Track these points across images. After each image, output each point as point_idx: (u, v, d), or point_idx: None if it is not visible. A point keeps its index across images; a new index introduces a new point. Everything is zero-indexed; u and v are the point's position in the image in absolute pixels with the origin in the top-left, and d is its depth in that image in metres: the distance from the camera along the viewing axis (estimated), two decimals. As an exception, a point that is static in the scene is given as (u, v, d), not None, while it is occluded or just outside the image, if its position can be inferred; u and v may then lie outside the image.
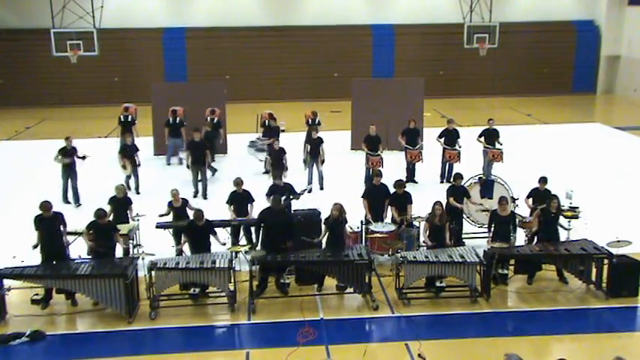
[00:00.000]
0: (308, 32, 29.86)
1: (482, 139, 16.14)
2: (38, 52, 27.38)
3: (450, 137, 16.04)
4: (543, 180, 11.85)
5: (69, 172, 14.76)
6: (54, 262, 10.01)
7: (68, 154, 14.75)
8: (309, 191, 13.45)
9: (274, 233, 10.29)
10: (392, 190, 11.86)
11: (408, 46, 30.03)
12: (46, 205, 10.15)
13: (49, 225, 10.08)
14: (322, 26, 29.87)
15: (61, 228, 10.21)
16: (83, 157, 14.99)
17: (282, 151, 15.22)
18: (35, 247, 10.09)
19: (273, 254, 10.07)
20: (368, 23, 30.20)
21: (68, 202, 14.65)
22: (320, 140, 15.97)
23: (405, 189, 11.75)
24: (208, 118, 18.39)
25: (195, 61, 29.29)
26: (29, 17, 28.24)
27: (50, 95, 28.92)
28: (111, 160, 18.61)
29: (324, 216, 11.02)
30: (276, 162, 14.98)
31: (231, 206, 11.79)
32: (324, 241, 10.64)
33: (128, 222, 11.52)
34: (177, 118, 18.07)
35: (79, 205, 14.58)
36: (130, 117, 18.38)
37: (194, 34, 29.40)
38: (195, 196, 14.83)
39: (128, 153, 15.39)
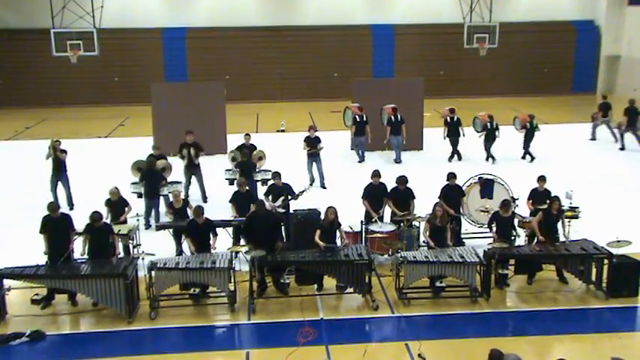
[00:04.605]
0: (308, 32, 29.86)
1: None
2: (38, 52, 27.38)
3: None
4: (542, 179, 11.85)
5: (58, 176, 14.55)
6: (56, 263, 9.99)
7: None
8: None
9: (262, 236, 10.28)
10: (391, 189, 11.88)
11: (408, 46, 30.04)
12: (53, 207, 10.26)
13: (56, 226, 10.11)
14: (322, 26, 29.86)
15: (69, 230, 10.22)
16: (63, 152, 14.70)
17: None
18: (46, 253, 10.11)
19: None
20: (368, 23, 30.20)
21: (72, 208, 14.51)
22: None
23: (407, 184, 11.75)
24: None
25: (195, 61, 29.29)
26: (29, 17, 28.24)
27: (50, 95, 28.92)
28: (111, 160, 18.65)
29: (323, 216, 11.02)
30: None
31: (234, 205, 11.81)
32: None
33: (126, 222, 11.57)
34: (364, 116, 18.33)
35: (72, 208, 14.36)
36: (364, 116, 18.32)
37: (194, 34, 29.40)
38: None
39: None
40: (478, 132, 18.95)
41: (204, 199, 14.90)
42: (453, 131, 18.54)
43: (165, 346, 9.08)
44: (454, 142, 18.57)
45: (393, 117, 18.29)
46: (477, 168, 15.61)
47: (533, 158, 18.41)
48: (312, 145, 16.17)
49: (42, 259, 10.13)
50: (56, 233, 10.09)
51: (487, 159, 18.41)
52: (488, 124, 18.36)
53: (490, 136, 18.34)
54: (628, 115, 19.79)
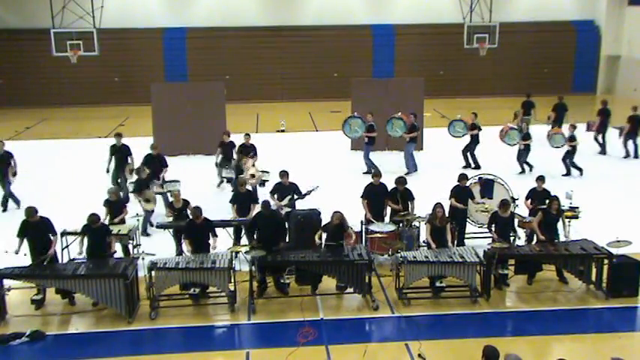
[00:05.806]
0: (308, 32, 29.87)
1: None
2: (38, 52, 27.38)
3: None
4: (541, 179, 11.85)
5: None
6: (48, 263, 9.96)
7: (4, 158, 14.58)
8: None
9: (267, 236, 10.32)
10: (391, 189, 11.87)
11: (408, 46, 30.04)
12: (30, 211, 10.04)
13: (35, 230, 10.01)
14: (322, 26, 29.87)
15: (48, 234, 10.08)
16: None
17: None
18: (16, 252, 9.99)
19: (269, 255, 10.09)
20: (368, 23, 30.20)
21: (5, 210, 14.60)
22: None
23: (406, 185, 11.75)
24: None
25: (195, 61, 29.30)
26: (29, 17, 28.26)
27: (50, 95, 28.93)
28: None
29: (323, 216, 11.04)
30: None
31: (234, 205, 11.82)
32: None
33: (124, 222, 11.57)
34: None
35: (5, 210, 14.52)
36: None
37: (194, 34, 29.40)
38: None
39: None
40: (514, 143, 17.12)
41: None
42: (479, 137, 17.61)
43: (166, 346, 9.08)
44: (474, 149, 17.66)
45: (415, 124, 17.37)
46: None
47: (581, 171, 16.83)
48: (227, 151, 15.46)
49: (18, 260, 9.98)
50: (36, 237, 10.00)
51: (522, 171, 16.90)
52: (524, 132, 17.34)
53: (528, 145, 16.97)
54: (556, 111, 20.22)
